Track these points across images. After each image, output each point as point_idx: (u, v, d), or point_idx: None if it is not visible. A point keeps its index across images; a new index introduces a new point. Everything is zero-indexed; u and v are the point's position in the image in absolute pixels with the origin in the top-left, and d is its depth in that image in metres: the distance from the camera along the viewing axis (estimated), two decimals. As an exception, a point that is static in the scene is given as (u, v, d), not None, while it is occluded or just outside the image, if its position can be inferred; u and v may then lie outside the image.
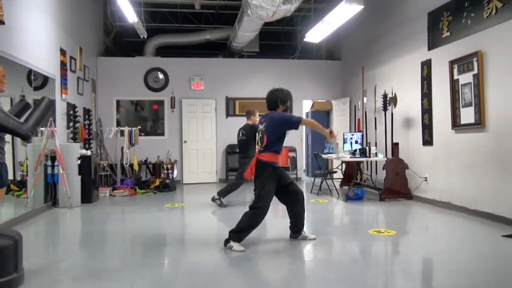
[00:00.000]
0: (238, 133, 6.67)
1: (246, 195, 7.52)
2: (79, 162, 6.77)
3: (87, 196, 6.92)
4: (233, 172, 10.22)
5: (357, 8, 6.62)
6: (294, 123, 4.17)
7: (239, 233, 4.05)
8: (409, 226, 5.54)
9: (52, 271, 3.49)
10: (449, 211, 5.93)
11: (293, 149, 10.46)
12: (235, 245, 3.99)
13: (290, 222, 4.46)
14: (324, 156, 8.13)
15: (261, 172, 4.13)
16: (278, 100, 4.30)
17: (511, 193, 4.89)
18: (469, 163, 5.67)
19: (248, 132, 6.43)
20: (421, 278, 3.41)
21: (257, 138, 4.35)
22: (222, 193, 6.63)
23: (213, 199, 6.64)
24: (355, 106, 9.48)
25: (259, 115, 4.30)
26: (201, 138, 10.25)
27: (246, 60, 10.87)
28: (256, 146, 4.34)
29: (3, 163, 3.02)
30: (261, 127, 4.28)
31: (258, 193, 4.15)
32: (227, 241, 4.05)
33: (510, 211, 4.88)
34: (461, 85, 5.79)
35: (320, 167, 8.07)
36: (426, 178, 6.68)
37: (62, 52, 7.19)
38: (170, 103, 10.13)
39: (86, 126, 8.60)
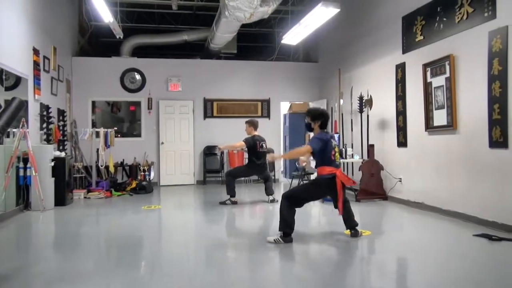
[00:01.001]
0: (261, 144, 7.04)
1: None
2: (52, 164, 6.63)
3: (61, 199, 6.79)
4: (211, 174, 10.22)
5: (334, 11, 6.69)
6: None
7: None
8: (384, 226, 5.63)
9: (24, 275, 3.41)
10: (423, 211, 6.05)
11: (270, 151, 10.45)
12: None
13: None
14: (301, 157, 8.17)
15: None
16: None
17: (481, 193, 5.03)
18: (442, 164, 5.80)
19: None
20: (396, 277, 3.47)
21: (335, 152, 4.58)
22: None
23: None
24: (332, 108, 9.58)
25: (324, 131, 4.62)
26: (179, 140, 10.18)
27: (224, 62, 10.86)
28: (333, 160, 4.55)
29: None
30: (334, 143, 4.59)
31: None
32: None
33: (481, 211, 5.02)
34: (434, 88, 5.93)
35: (297, 169, 8.12)
36: (400, 179, 6.80)
37: (35, 51, 7.03)
38: (147, 104, 10.03)
39: (61, 127, 8.43)
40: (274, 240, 4.30)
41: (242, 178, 9.68)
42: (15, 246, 4.71)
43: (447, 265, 3.60)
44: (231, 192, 7.00)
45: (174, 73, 10.19)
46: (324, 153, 4.45)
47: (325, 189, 4.59)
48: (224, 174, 10.15)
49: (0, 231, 5.07)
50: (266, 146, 7.16)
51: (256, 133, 7.12)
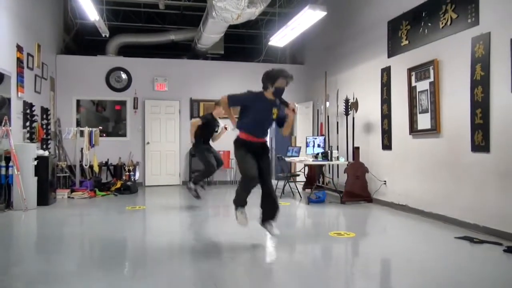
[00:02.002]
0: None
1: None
2: (35, 163, 6.53)
3: (44, 198, 6.68)
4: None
5: (320, 14, 6.74)
6: None
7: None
8: (368, 228, 5.69)
9: (3, 276, 3.35)
10: (406, 213, 6.12)
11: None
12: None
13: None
14: (287, 159, 8.21)
15: None
16: (263, 81, 4.55)
17: (463, 196, 5.11)
18: (425, 167, 5.88)
19: None
20: (380, 279, 3.51)
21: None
22: None
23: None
24: (318, 110, 9.63)
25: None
26: (164, 140, 10.12)
27: (211, 62, 10.84)
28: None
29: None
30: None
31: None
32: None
33: (463, 213, 5.10)
34: (418, 92, 6.00)
35: (283, 170, 8.15)
36: (385, 181, 6.87)
37: (19, 48, 6.93)
38: (133, 103, 9.95)
39: (44, 126, 8.32)
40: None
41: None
42: (-4, 246, 4.63)
43: (430, 266, 3.64)
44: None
45: (160, 73, 10.13)
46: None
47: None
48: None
49: (-20, 231, 4.98)
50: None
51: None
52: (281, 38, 8.21)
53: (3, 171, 6.16)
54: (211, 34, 8.97)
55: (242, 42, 12.43)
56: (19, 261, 3.81)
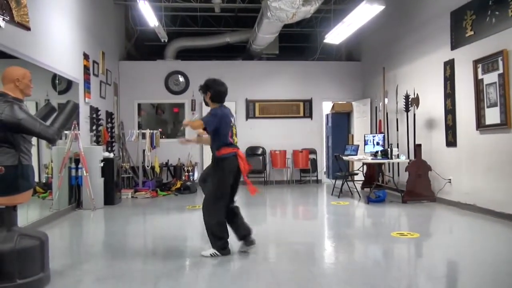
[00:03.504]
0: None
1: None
2: (102, 164, 6.87)
3: (110, 198, 7.02)
4: (254, 174, 10.24)
5: (378, 8, 6.56)
6: None
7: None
8: (433, 228, 5.44)
9: (76, 271, 3.55)
10: (474, 213, 5.80)
11: (313, 151, 10.40)
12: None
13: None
14: (345, 158, 8.06)
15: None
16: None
17: (539, 195, 4.76)
18: (495, 165, 5.54)
19: None
20: (445, 281, 3.34)
21: (233, 130, 4.06)
22: None
23: None
24: (376, 107, 9.37)
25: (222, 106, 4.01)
26: (221, 141, 10.26)
27: (265, 62, 10.88)
28: (235, 139, 4.08)
29: (30, 165, 3.09)
30: (232, 120, 4.05)
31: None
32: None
33: (538, 213, 4.75)
34: (486, 85, 5.67)
35: (341, 169, 8.01)
36: (450, 180, 6.55)
37: (86, 56, 7.33)
38: (191, 105, 10.21)
39: (109, 129, 8.74)
40: (210, 254, 3.80)
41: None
42: (68, 243, 4.93)
43: (499, 269, 3.43)
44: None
45: (216, 75, 9.97)
46: (219, 131, 3.85)
47: (229, 173, 3.85)
48: (267, 175, 10.20)
49: (54, 229, 5.31)
50: None
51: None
52: (337, 35, 8.07)
53: (74, 173, 6.56)
54: (266, 34, 9.00)
55: (296, 41, 12.36)
56: (90, 257, 4.02)
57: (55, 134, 3.03)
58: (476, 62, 5.83)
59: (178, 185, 8.68)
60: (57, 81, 6.26)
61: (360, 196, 7.60)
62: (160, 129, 9.19)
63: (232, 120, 4.03)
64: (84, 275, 3.45)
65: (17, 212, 3.10)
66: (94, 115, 7.78)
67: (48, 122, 3.13)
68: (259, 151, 10.14)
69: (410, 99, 7.45)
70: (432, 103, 7.06)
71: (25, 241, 2.96)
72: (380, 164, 7.94)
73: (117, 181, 7.38)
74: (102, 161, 6.91)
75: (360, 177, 8.69)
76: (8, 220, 2.97)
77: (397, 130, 8.15)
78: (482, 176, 5.82)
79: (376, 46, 9.50)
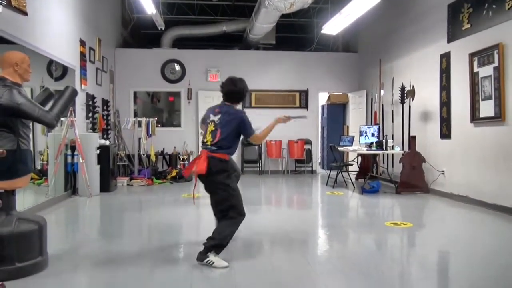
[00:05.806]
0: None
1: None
2: (98, 152, 6.88)
3: (106, 185, 7.04)
4: (249, 164, 10.29)
5: (376, 0, 6.56)
6: (246, 135, 3.63)
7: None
8: (426, 218, 5.52)
9: (73, 256, 3.59)
10: (467, 205, 5.88)
11: (308, 142, 10.45)
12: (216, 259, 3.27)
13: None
14: (340, 148, 8.10)
15: (221, 170, 3.43)
16: (243, 94, 3.73)
17: (531, 187, 4.84)
18: (488, 157, 5.61)
19: None
20: (437, 270, 3.42)
21: (207, 129, 3.57)
22: None
23: None
24: (372, 99, 9.41)
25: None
26: (217, 130, 10.27)
27: (262, 52, 10.86)
28: (206, 137, 3.52)
29: (28, 150, 3.10)
30: (214, 118, 3.57)
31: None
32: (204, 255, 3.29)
33: (529, 205, 4.84)
34: (481, 78, 5.71)
35: (335, 160, 8.06)
36: (443, 171, 6.63)
37: (82, 43, 7.29)
38: (187, 94, 10.20)
39: (105, 117, 8.72)
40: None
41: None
42: (64, 229, 4.95)
43: (491, 260, 3.50)
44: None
45: (213, 64, 10.29)
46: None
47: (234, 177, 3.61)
48: (262, 165, 10.24)
49: (50, 215, 5.32)
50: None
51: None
52: (334, 26, 8.07)
53: (69, 160, 6.56)
54: (263, 24, 8.97)
55: (293, 32, 12.34)
56: (87, 242, 4.06)
57: (54, 119, 3.04)
58: (472, 55, 5.86)
59: (174, 174, 8.70)
60: (53, 67, 6.23)
61: (354, 187, 7.67)
62: (155, 118, 9.18)
63: (212, 116, 3.61)
64: (81, 260, 3.49)
65: (16, 197, 3.12)
66: (90, 102, 7.76)
67: (47, 108, 3.13)
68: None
69: (405, 91, 7.49)
70: (427, 96, 7.10)
71: (24, 225, 2.99)
72: (374, 155, 8.01)
73: (113, 168, 7.39)
74: (98, 148, 6.91)
75: (354, 167, 8.75)
76: (7, 204, 2.99)
77: (392, 121, 8.20)
78: (475, 168, 5.89)
79: (373, 38, 9.51)
